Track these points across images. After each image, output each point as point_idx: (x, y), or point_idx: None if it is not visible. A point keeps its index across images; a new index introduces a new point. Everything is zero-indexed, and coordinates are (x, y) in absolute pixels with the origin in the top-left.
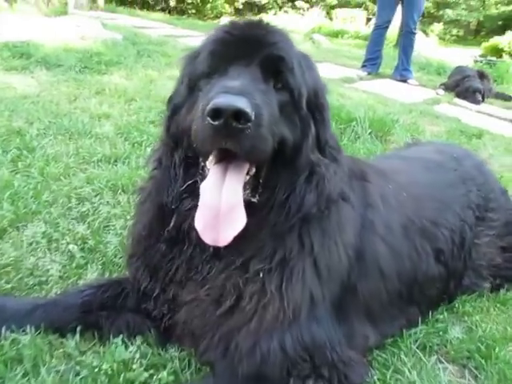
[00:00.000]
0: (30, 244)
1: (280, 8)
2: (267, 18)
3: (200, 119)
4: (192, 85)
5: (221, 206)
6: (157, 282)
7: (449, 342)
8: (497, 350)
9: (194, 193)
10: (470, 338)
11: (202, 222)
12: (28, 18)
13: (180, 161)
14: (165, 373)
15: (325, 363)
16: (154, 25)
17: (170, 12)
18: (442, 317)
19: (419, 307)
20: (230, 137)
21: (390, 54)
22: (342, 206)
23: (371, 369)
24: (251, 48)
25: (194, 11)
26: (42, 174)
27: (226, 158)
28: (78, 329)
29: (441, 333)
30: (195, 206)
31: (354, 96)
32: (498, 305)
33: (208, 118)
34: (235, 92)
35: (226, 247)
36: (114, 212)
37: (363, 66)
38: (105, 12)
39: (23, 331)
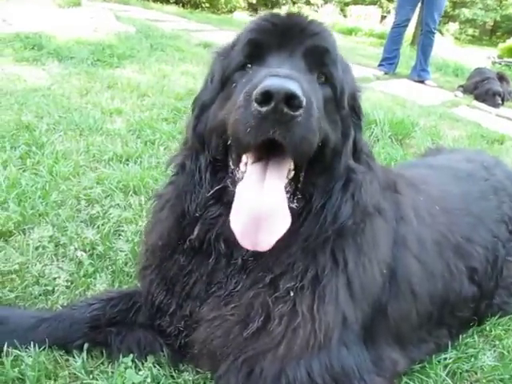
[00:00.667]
0: (37, 249)
1: (294, 3)
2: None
3: (243, 108)
4: (225, 79)
5: (263, 207)
6: (173, 296)
7: (479, 369)
8: None
9: (221, 199)
10: (502, 364)
11: (240, 225)
12: (41, 9)
13: (206, 164)
14: None
15: None
16: (167, 18)
17: (183, 5)
18: (472, 341)
19: (449, 330)
20: (280, 125)
21: (405, 53)
22: (377, 219)
23: None
24: (294, 37)
25: (207, 5)
26: (51, 173)
27: (265, 157)
28: (85, 346)
29: (472, 358)
30: (222, 214)
31: (372, 97)
32: None
33: (255, 105)
34: (284, 75)
35: (254, 261)
36: (125, 216)
37: (380, 65)
38: (118, 4)
39: (26, 348)
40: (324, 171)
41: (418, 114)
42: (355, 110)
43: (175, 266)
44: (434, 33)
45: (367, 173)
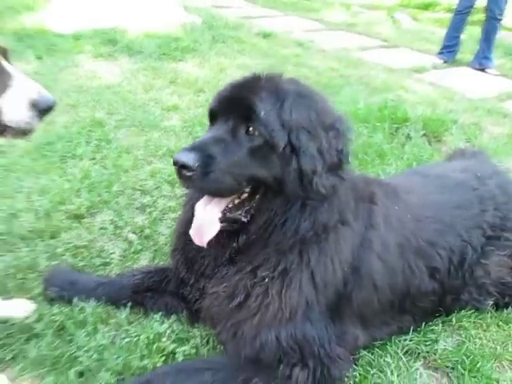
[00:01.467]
0: (100, 229)
1: None
2: None
3: None
4: None
5: (203, 221)
6: (192, 273)
7: (437, 352)
8: (479, 364)
9: None
10: (458, 350)
11: (193, 230)
12: (115, 2)
13: None
14: (188, 346)
15: (311, 356)
16: (233, 3)
17: None
18: (435, 328)
19: (413, 316)
20: (185, 180)
21: (474, 37)
22: (341, 229)
23: (356, 366)
24: (231, 105)
25: None
26: (115, 166)
27: None
28: (129, 304)
29: (431, 342)
30: None
31: (419, 90)
32: (500, 323)
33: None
34: (190, 148)
35: (238, 255)
36: (170, 205)
37: (440, 53)
38: None
39: (88, 301)
40: (276, 196)
41: (464, 109)
42: (300, 144)
43: (193, 251)
44: (498, 19)
45: (330, 196)
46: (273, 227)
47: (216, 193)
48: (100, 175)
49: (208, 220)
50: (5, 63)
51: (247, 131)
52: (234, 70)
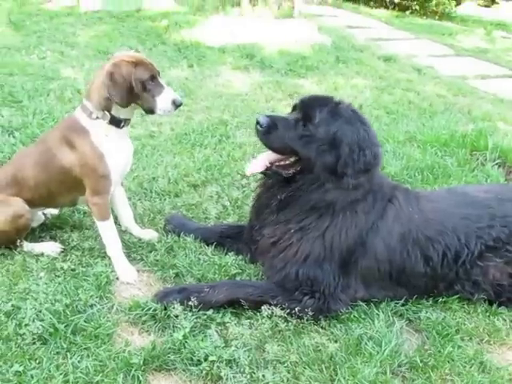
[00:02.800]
0: (208, 196)
1: None
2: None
3: None
4: None
5: (255, 160)
6: (258, 221)
7: (420, 318)
8: (450, 332)
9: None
10: (438, 320)
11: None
12: (260, 21)
13: None
14: (244, 275)
15: (318, 291)
16: (369, 24)
17: (394, 7)
18: (426, 302)
19: (407, 289)
20: (256, 132)
21: None
22: (351, 213)
23: (350, 308)
24: (304, 107)
25: (417, 7)
26: (228, 156)
27: None
28: (214, 244)
29: (418, 311)
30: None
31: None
32: (487, 313)
33: None
34: (269, 116)
35: (281, 210)
36: None
37: None
38: (331, 7)
39: (190, 236)
40: (310, 172)
41: None
42: (335, 148)
43: (261, 206)
44: None
45: (343, 186)
46: (302, 192)
47: (269, 147)
48: (216, 160)
49: (257, 160)
50: (160, 79)
51: (304, 124)
52: (347, 89)
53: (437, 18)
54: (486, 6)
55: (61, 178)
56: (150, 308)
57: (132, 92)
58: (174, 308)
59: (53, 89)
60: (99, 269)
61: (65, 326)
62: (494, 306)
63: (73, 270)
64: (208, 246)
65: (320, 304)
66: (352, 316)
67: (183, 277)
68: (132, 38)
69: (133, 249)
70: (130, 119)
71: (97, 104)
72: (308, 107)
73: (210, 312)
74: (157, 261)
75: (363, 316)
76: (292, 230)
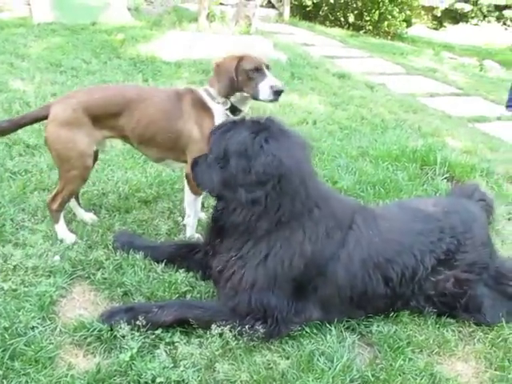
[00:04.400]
0: (159, 212)
1: (484, 17)
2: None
3: None
4: None
5: None
6: (210, 247)
7: (372, 332)
8: (401, 345)
9: None
10: (390, 333)
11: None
12: (217, 37)
13: None
14: (195, 292)
15: (271, 317)
16: (324, 42)
17: (348, 27)
18: (377, 316)
19: (365, 311)
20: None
21: None
22: (289, 239)
23: (303, 327)
24: None
25: (370, 27)
26: (181, 171)
27: None
28: (164, 261)
29: (369, 324)
30: None
31: (467, 139)
32: (437, 325)
33: None
34: None
35: (225, 239)
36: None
37: (509, 106)
38: (288, 25)
39: (139, 254)
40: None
41: (504, 160)
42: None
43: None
44: None
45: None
46: (225, 215)
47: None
48: (169, 176)
49: None
50: (266, 70)
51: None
52: (301, 104)
53: (389, 38)
54: (434, 29)
55: (168, 136)
56: (96, 328)
57: (235, 82)
58: (120, 328)
59: (0, 101)
60: (43, 288)
61: (2, 351)
62: (444, 317)
63: (14, 290)
64: (158, 263)
65: (271, 329)
66: (304, 332)
67: (132, 295)
68: (86, 50)
69: (79, 266)
70: (243, 110)
71: (218, 91)
72: (209, 135)
73: (158, 331)
74: (104, 279)
75: (315, 331)
76: (233, 258)
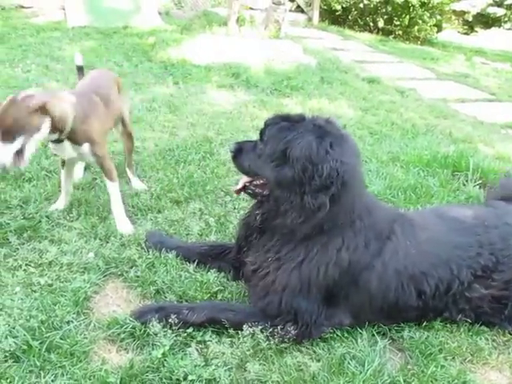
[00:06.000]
0: (190, 213)
1: None
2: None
3: None
4: None
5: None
6: (244, 246)
7: (403, 337)
8: (433, 351)
9: None
10: (421, 339)
11: None
12: (246, 41)
13: None
14: (226, 292)
15: (301, 319)
16: (354, 47)
17: (378, 32)
18: (410, 323)
19: (395, 321)
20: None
21: None
22: (329, 247)
23: (335, 330)
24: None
25: (400, 32)
26: (212, 173)
27: None
28: (196, 261)
29: (400, 330)
30: None
31: (500, 145)
32: (469, 332)
33: None
34: (238, 142)
35: (261, 239)
36: (242, 205)
37: None
38: (317, 30)
39: (171, 253)
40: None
41: None
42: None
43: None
44: None
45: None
46: (272, 215)
47: (239, 170)
48: (200, 177)
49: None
50: None
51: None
52: (329, 109)
53: (419, 43)
54: (465, 34)
55: None
56: (129, 325)
57: None
58: (153, 325)
59: None
60: (77, 284)
61: (39, 343)
62: (477, 325)
63: (50, 285)
64: (189, 263)
65: (302, 331)
66: (335, 335)
67: (164, 293)
68: (118, 54)
69: (112, 264)
70: None
71: None
72: (264, 127)
73: (190, 330)
74: (137, 277)
75: (346, 335)
76: (269, 259)
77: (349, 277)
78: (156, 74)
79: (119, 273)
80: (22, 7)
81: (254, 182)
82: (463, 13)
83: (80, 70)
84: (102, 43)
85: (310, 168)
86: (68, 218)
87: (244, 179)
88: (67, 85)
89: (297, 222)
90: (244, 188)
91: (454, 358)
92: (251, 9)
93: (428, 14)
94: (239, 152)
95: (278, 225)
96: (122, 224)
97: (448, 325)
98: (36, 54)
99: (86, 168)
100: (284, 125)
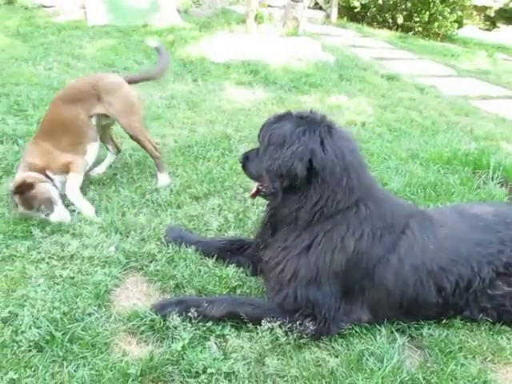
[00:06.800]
0: (209, 208)
1: None
2: None
3: None
4: None
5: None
6: (261, 242)
7: (423, 335)
8: (452, 349)
9: None
10: (441, 337)
11: None
12: (265, 39)
13: None
14: (245, 287)
15: (319, 314)
16: (372, 44)
17: (397, 28)
18: (429, 320)
19: (415, 318)
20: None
21: None
22: (333, 234)
23: (353, 326)
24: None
25: (420, 29)
26: (231, 169)
27: None
28: (215, 257)
29: (419, 327)
30: None
31: None
32: (490, 332)
33: None
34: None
35: (275, 234)
36: (261, 201)
37: None
38: (335, 27)
39: (190, 247)
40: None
41: None
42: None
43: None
44: None
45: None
46: (276, 209)
47: (249, 178)
48: (219, 173)
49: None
50: None
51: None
52: (348, 106)
53: (439, 39)
54: (487, 30)
55: None
56: (149, 318)
57: None
58: (172, 319)
59: None
60: (98, 277)
61: (62, 334)
62: (498, 324)
63: (72, 277)
64: (208, 257)
65: (321, 327)
66: (353, 331)
67: (183, 288)
68: (138, 51)
69: (132, 258)
70: None
71: None
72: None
73: (209, 324)
74: (157, 271)
75: (364, 331)
76: (278, 249)
77: (360, 268)
78: (175, 71)
79: (139, 267)
80: (44, 6)
81: (264, 184)
82: (485, 8)
83: (158, 51)
84: (121, 41)
85: (277, 153)
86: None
87: (257, 183)
88: None
89: (293, 208)
90: (258, 191)
91: (474, 356)
92: (269, 6)
93: (449, 10)
94: (246, 160)
95: (282, 215)
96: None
97: (468, 323)
98: (57, 52)
99: (111, 165)
100: (272, 120)
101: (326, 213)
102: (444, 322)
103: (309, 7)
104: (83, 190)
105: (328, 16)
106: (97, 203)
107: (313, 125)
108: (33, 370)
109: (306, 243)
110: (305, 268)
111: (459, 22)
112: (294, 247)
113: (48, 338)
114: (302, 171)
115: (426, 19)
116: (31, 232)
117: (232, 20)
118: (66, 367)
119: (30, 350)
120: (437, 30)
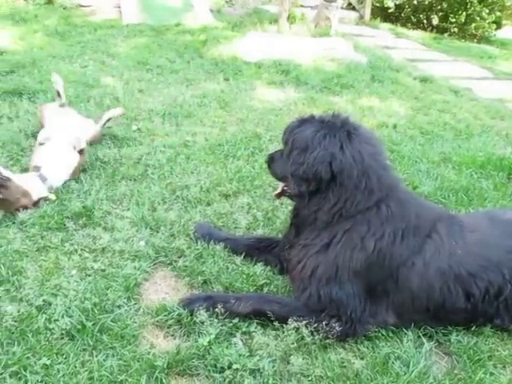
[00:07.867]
0: (238, 207)
1: None
2: None
3: None
4: None
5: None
6: (288, 241)
7: (451, 340)
8: (482, 357)
9: None
10: (470, 345)
11: None
12: (297, 39)
13: None
14: (272, 286)
15: (345, 314)
16: (406, 45)
17: (432, 29)
18: (458, 328)
19: (443, 323)
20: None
21: None
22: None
23: (380, 329)
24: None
25: (456, 30)
26: (261, 168)
27: None
28: (243, 254)
29: (448, 333)
30: None
31: None
32: None
33: None
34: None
35: (299, 234)
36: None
37: None
38: (369, 27)
39: (218, 245)
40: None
41: None
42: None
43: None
44: None
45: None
46: (303, 212)
47: (274, 178)
48: (248, 172)
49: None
50: None
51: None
52: (380, 108)
53: (475, 41)
54: None
55: None
56: (176, 312)
57: None
58: (199, 314)
59: (93, 96)
60: (128, 271)
61: (92, 324)
62: None
63: (103, 270)
64: (236, 255)
65: (347, 328)
66: (379, 334)
67: (211, 284)
68: (171, 50)
69: (162, 253)
70: None
71: None
72: (283, 134)
73: (235, 320)
74: (185, 267)
75: (391, 335)
76: (299, 247)
77: (383, 270)
78: (207, 70)
79: (168, 262)
80: (82, 6)
81: (289, 185)
82: None
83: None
84: (155, 40)
85: (301, 157)
86: (120, 207)
87: (282, 183)
88: (121, 80)
89: (312, 210)
90: (283, 192)
91: (504, 366)
92: (302, 6)
93: (487, 11)
94: (272, 161)
95: (303, 216)
96: None
97: (499, 332)
98: (93, 51)
99: (139, 161)
100: (294, 124)
101: (345, 214)
102: (473, 329)
103: (342, 7)
104: (115, 184)
105: (361, 16)
106: (128, 198)
107: (333, 129)
108: (64, 357)
109: (325, 241)
110: (324, 265)
111: (498, 23)
112: (313, 245)
113: (79, 327)
114: (327, 174)
115: (463, 20)
116: (65, 224)
117: (264, 19)
118: (96, 356)
119: (62, 338)
120: (474, 31)
